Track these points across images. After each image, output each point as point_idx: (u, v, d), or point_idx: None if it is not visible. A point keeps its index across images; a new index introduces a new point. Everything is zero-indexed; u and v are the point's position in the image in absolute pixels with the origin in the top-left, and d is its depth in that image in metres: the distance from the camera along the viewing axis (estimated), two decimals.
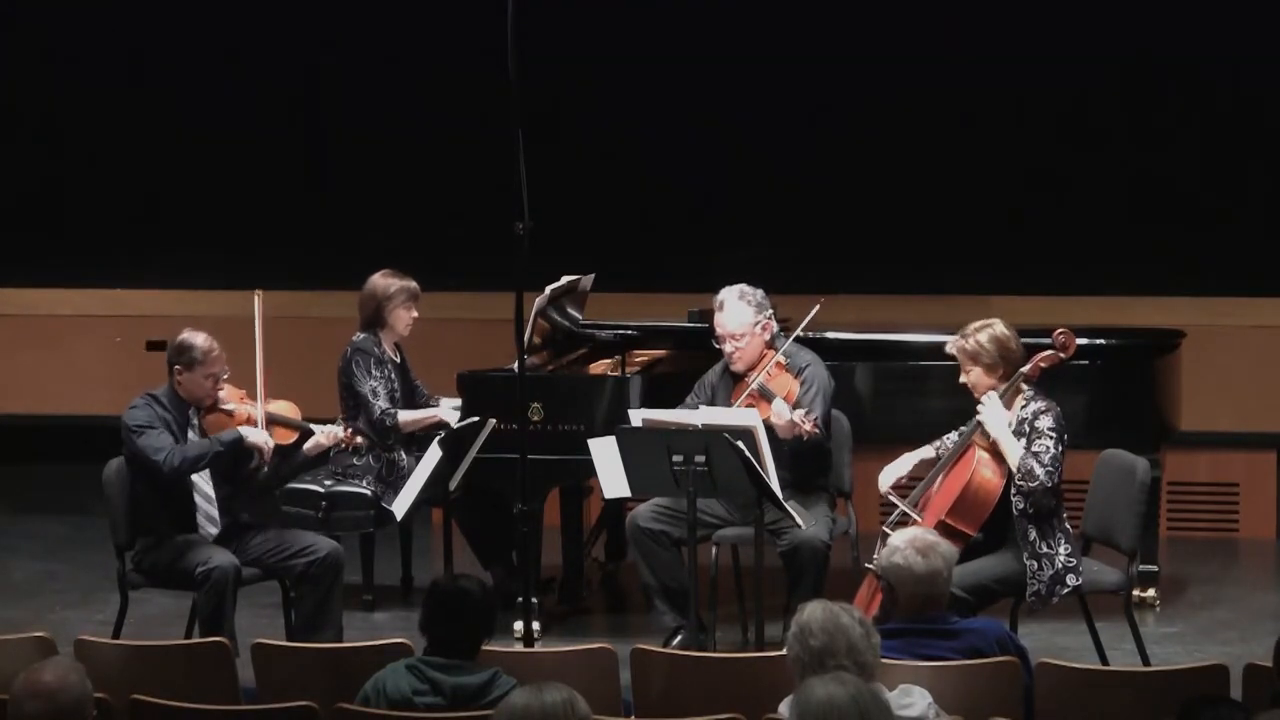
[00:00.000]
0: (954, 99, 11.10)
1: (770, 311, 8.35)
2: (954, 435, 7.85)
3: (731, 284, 8.34)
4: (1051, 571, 7.57)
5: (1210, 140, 10.94)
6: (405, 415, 8.98)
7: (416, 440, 8.90)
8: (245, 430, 7.99)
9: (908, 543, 6.27)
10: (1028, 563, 7.54)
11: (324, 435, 8.29)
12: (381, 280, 9.05)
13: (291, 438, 8.24)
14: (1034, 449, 7.53)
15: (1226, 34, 10.84)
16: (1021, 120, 11.08)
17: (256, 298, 8.20)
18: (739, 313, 8.29)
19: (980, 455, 7.59)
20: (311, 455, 8.34)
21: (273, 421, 8.16)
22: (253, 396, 8.16)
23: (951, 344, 7.78)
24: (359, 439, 8.76)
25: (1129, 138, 11.04)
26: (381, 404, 8.91)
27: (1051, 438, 7.54)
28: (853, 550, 8.31)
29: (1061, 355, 7.76)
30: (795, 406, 8.05)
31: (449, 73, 11.41)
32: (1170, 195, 10.96)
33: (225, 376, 8.06)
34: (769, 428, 7.83)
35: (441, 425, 8.52)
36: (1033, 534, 7.57)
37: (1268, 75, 10.83)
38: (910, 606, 6.23)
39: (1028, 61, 11.01)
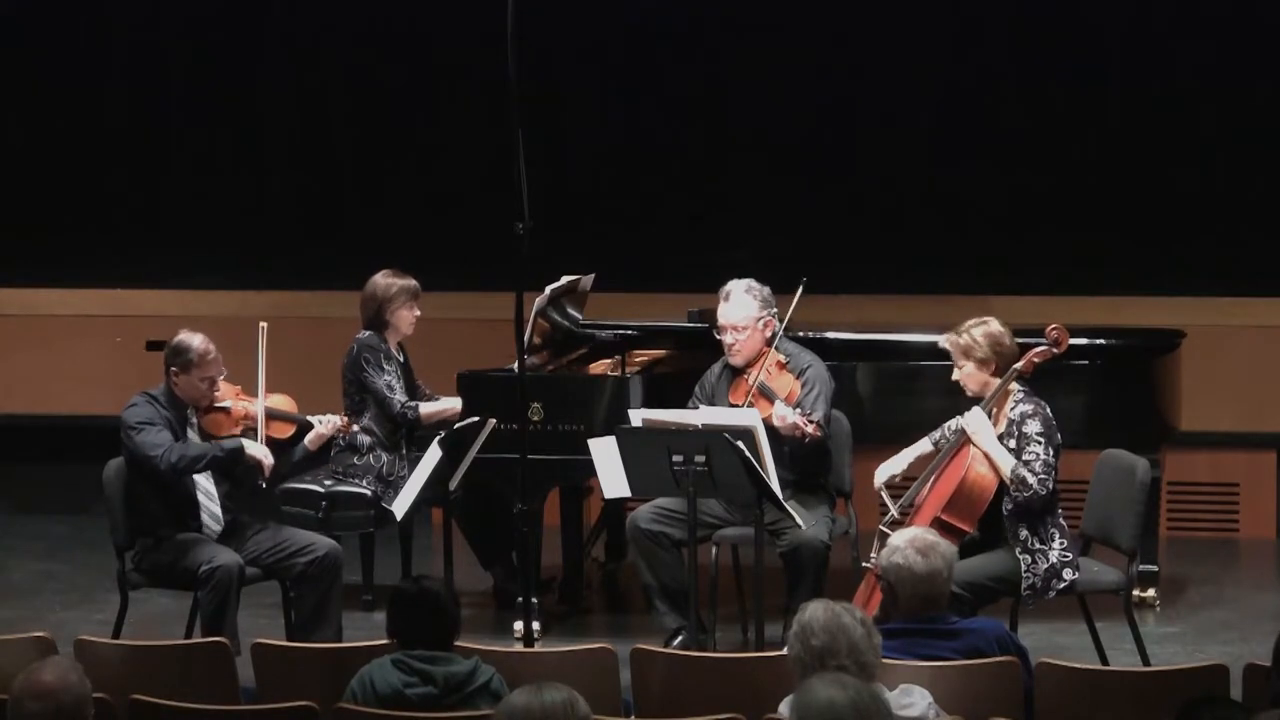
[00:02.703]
0: (954, 99, 11.10)
1: (774, 310, 8.35)
2: (952, 423, 7.84)
3: (739, 278, 8.36)
4: (1046, 565, 7.57)
5: (1210, 140, 10.93)
6: (426, 408, 8.98)
7: (418, 441, 8.89)
8: (248, 443, 7.99)
9: (908, 542, 6.28)
10: (1021, 558, 7.56)
11: (325, 425, 8.27)
12: (382, 281, 9.04)
13: (290, 431, 8.24)
14: (1024, 457, 7.54)
15: (1225, 34, 10.85)
16: (1022, 120, 11.08)
17: (261, 328, 8.19)
18: (744, 305, 8.30)
19: (975, 452, 7.61)
20: (313, 448, 8.30)
21: (271, 416, 8.15)
22: (248, 392, 8.15)
23: (944, 339, 7.80)
24: (356, 429, 8.75)
25: (1129, 138, 11.03)
26: (400, 397, 8.91)
27: (1040, 443, 7.54)
28: (853, 550, 8.31)
29: (1054, 350, 7.79)
30: (796, 407, 8.06)
31: (449, 72, 11.41)
32: (1171, 195, 10.96)
33: (222, 378, 8.05)
34: (769, 427, 7.83)
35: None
36: (1023, 532, 7.58)
37: (1267, 75, 10.83)
38: (910, 606, 6.23)
39: (1028, 61, 11.02)
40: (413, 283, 9.04)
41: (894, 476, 7.84)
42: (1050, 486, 7.54)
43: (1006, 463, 7.53)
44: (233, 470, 8.09)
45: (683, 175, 11.35)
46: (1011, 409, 7.65)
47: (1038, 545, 7.58)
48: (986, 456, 7.58)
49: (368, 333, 9.02)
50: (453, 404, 8.91)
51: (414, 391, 9.13)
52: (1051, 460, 7.55)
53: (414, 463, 8.31)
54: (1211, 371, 10.31)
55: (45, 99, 12.00)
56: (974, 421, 7.61)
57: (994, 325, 7.73)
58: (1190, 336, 9.46)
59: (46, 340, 11.79)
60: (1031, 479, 7.49)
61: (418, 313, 9.05)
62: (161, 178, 11.92)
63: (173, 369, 7.99)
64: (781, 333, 8.39)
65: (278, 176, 11.90)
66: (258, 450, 8.00)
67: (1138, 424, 9.04)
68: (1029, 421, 7.58)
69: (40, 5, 11.93)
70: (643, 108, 11.35)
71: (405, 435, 8.99)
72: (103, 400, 10.46)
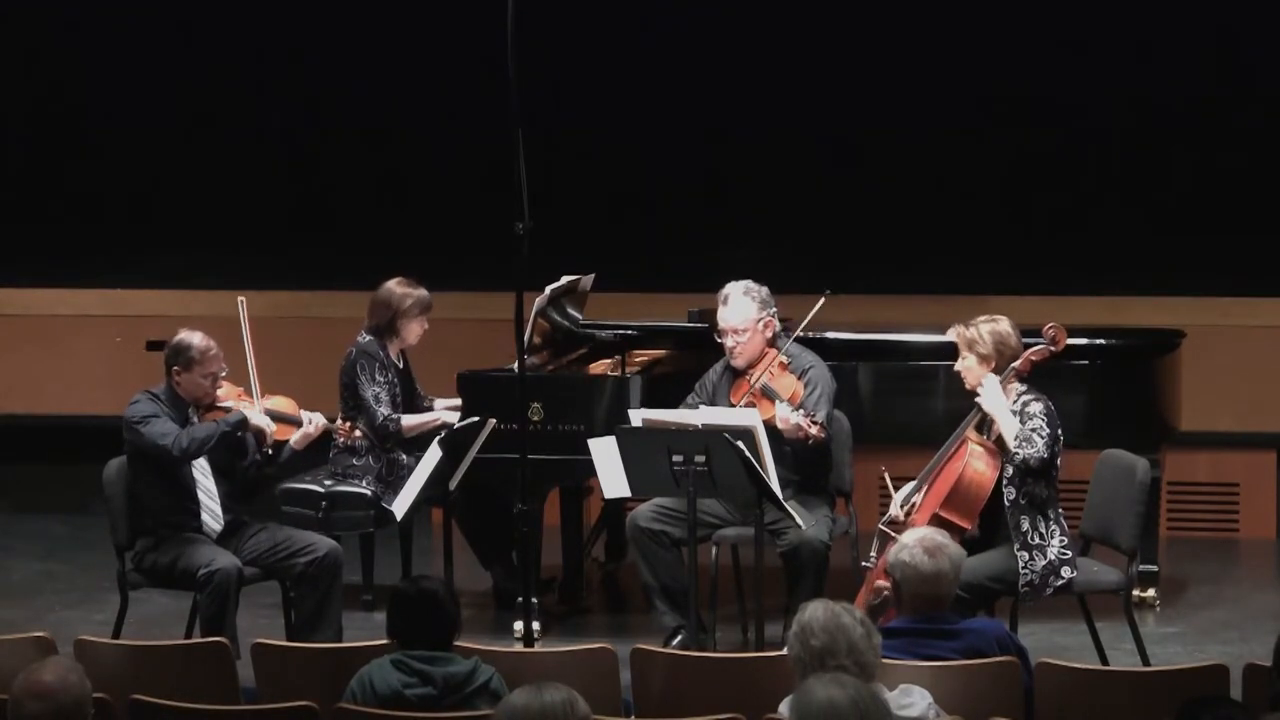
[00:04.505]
0: (953, 97, 11.10)
1: (774, 310, 8.35)
2: None
3: (737, 280, 8.37)
4: (1044, 562, 7.58)
5: (1210, 139, 10.93)
6: (408, 420, 8.97)
7: (417, 441, 8.89)
8: (250, 413, 8.01)
9: (917, 541, 6.29)
10: (1019, 554, 7.57)
11: (312, 425, 8.25)
12: (398, 290, 9.01)
13: (291, 432, 8.23)
14: (1029, 426, 7.57)
15: (1223, 31, 10.84)
16: (1022, 119, 11.07)
17: (240, 303, 8.18)
18: (743, 307, 8.31)
19: (973, 449, 7.63)
20: (299, 448, 8.24)
21: (272, 418, 8.16)
22: (249, 395, 8.16)
23: (953, 329, 7.83)
24: (358, 433, 8.74)
25: (1129, 137, 11.03)
26: (384, 410, 8.90)
27: (1044, 419, 7.59)
28: (853, 550, 8.31)
29: (1052, 349, 7.81)
30: (799, 408, 8.06)
31: (449, 72, 11.41)
32: (1170, 195, 10.95)
33: (223, 375, 8.07)
34: (770, 427, 7.83)
35: (444, 428, 8.49)
36: (1025, 524, 7.60)
37: (1267, 76, 10.83)
38: (913, 605, 6.24)
39: (1028, 60, 11.01)
40: (426, 295, 9.04)
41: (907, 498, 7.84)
42: (1051, 454, 7.55)
43: (1012, 426, 7.57)
44: (233, 461, 8.10)
45: (683, 175, 11.34)
46: (1014, 402, 7.68)
47: (1038, 541, 7.60)
48: (984, 447, 7.59)
49: (368, 338, 9.01)
50: (435, 416, 8.94)
51: (413, 399, 9.13)
52: (1053, 437, 7.57)
53: (414, 463, 8.32)
54: (1211, 371, 10.31)
55: (44, 99, 11.99)
56: (988, 387, 7.63)
57: (1003, 325, 7.76)
58: (1190, 336, 9.46)
59: (46, 340, 11.80)
60: (1038, 439, 7.53)
61: (426, 325, 9.05)
62: (161, 178, 11.91)
63: (175, 368, 8.01)
64: (783, 333, 8.40)
65: (277, 176, 11.89)
66: (260, 419, 8.03)
67: (1138, 424, 9.05)
68: (1032, 404, 7.64)
69: (40, 6, 11.93)
70: (643, 107, 11.34)
71: (394, 442, 8.96)
72: (103, 400, 10.48)
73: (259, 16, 11.73)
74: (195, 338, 8.02)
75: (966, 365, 7.77)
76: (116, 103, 11.96)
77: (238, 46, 11.78)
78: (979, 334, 7.74)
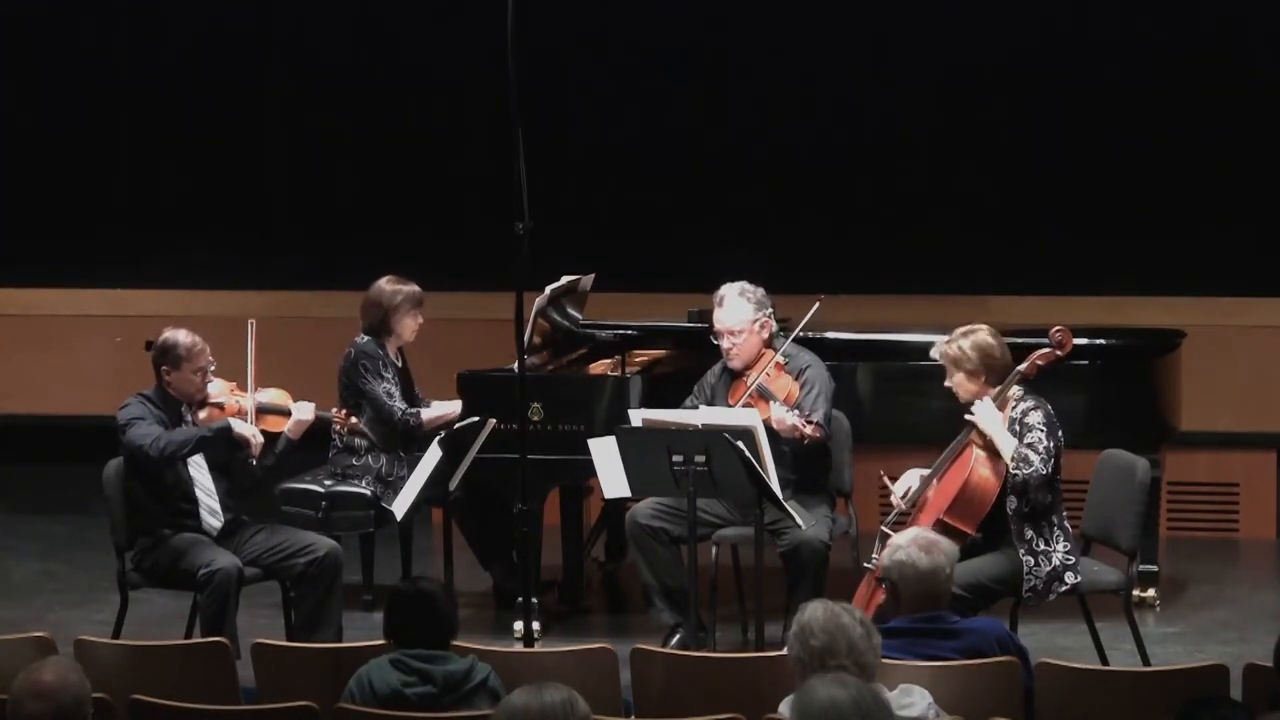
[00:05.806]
0: (952, 97, 11.10)
1: (770, 310, 8.36)
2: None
3: (732, 282, 8.37)
4: (1049, 568, 7.58)
5: (1211, 139, 10.92)
6: (428, 413, 8.96)
7: (417, 441, 8.88)
8: (234, 422, 8.00)
9: (910, 540, 6.30)
10: (1024, 559, 7.56)
11: (303, 411, 8.20)
12: (388, 287, 9.00)
13: (285, 424, 8.21)
14: (1027, 440, 7.55)
15: (1224, 29, 10.84)
16: (1020, 118, 11.07)
17: (250, 324, 8.17)
18: (738, 309, 8.31)
19: (977, 454, 7.61)
20: (295, 436, 8.19)
21: (265, 410, 8.15)
22: (243, 388, 8.15)
23: (936, 348, 7.78)
24: (354, 420, 8.71)
25: (1129, 136, 11.02)
26: (400, 405, 8.89)
27: (1042, 430, 7.56)
28: (853, 550, 8.31)
29: (1058, 353, 7.78)
30: (795, 408, 8.06)
31: (449, 72, 11.41)
32: (1170, 194, 10.94)
33: (212, 369, 8.07)
34: (769, 428, 7.83)
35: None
36: (1029, 532, 7.58)
37: (1266, 77, 10.82)
38: (913, 604, 6.24)
39: (1025, 59, 11.01)
40: (417, 290, 9.03)
41: (908, 489, 7.82)
42: (1051, 470, 7.54)
43: (1009, 445, 7.54)
44: (228, 463, 8.10)
45: (683, 175, 11.34)
46: (1013, 408, 7.66)
47: (1042, 546, 7.58)
48: (988, 452, 7.58)
49: (366, 339, 9.00)
50: (452, 407, 8.90)
51: (412, 399, 9.12)
52: (1052, 448, 7.56)
53: (413, 463, 8.32)
54: (1211, 371, 10.30)
55: (45, 99, 11.99)
56: (981, 409, 7.61)
57: (982, 335, 7.69)
58: (1190, 336, 9.46)
59: (46, 340, 11.79)
60: (1035, 457, 7.50)
61: (421, 320, 9.05)
62: (161, 178, 11.91)
63: (163, 368, 8.03)
64: (780, 334, 8.41)
65: (277, 177, 11.89)
66: (245, 429, 8.01)
67: (1138, 424, 9.05)
68: (1031, 414, 7.60)
69: (41, 6, 11.92)
70: (643, 107, 11.34)
71: (402, 439, 8.96)
72: (102, 400, 10.44)
73: (258, 15, 11.73)
74: (180, 335, 8.04)
75: (957, 382, 7.74)
76: (117, 103, 11.96)
77: (237, 46, 11.78)
78: (962, 350, 7.67)
